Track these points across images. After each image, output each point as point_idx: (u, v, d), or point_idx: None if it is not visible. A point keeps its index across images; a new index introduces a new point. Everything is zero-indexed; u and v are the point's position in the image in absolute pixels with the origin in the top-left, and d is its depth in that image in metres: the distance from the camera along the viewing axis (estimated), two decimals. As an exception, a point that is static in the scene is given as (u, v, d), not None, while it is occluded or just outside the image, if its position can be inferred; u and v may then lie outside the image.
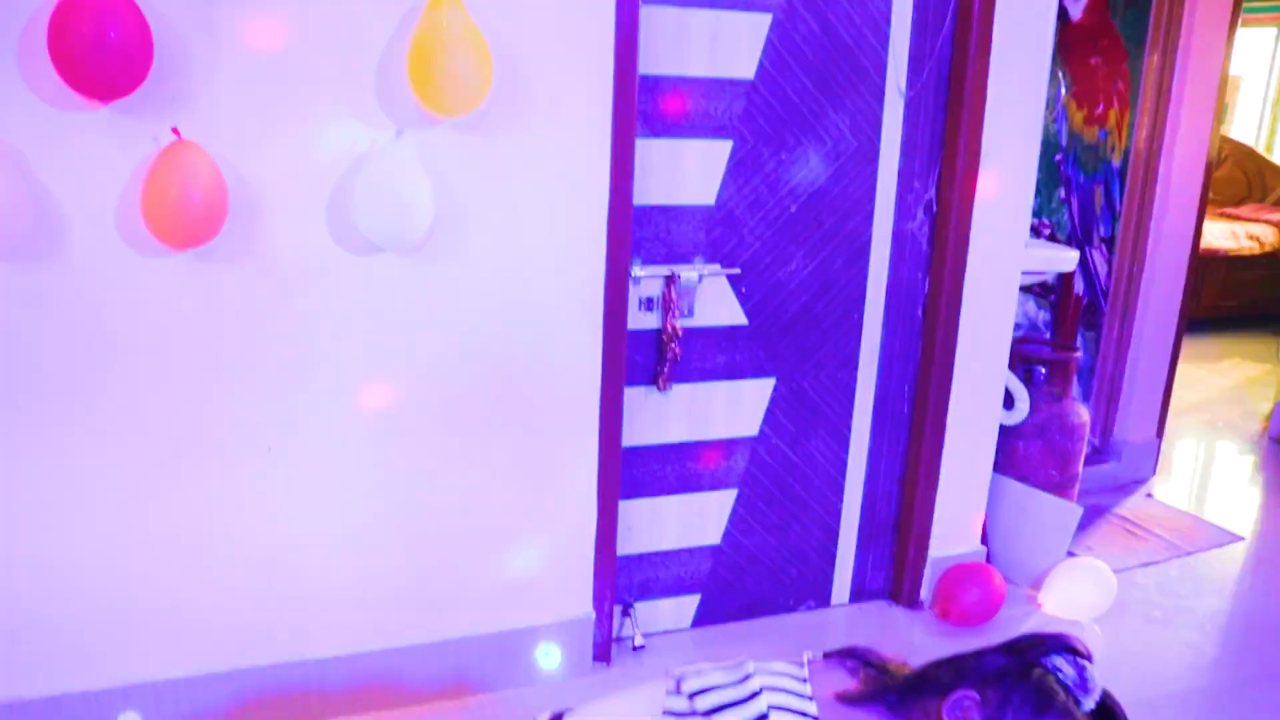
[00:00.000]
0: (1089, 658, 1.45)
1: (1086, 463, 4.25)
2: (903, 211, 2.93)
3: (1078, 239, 4.05)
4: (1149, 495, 4.35)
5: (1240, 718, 2.83)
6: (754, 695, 1.45)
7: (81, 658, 2.40)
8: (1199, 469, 4.85)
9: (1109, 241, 4.12)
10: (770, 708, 1.42)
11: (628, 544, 2.93)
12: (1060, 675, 1.41)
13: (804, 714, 1.42)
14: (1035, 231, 3.92)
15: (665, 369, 2.77)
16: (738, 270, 2.78)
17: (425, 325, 2.46)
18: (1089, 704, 1.39)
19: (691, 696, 1.47)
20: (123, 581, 2.39)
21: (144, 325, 2.25)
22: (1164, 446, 4.61)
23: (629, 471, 2.85)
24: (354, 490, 2.52)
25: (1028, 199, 3.05)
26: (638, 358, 2.77)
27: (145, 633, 2.44)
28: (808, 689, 1.48)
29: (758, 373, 2.91)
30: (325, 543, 2.53)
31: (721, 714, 1.42)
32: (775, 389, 2.95)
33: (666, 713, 1.46)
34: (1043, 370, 3.57)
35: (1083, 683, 1.40)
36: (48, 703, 2.38)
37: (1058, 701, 1.39)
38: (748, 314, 2.84)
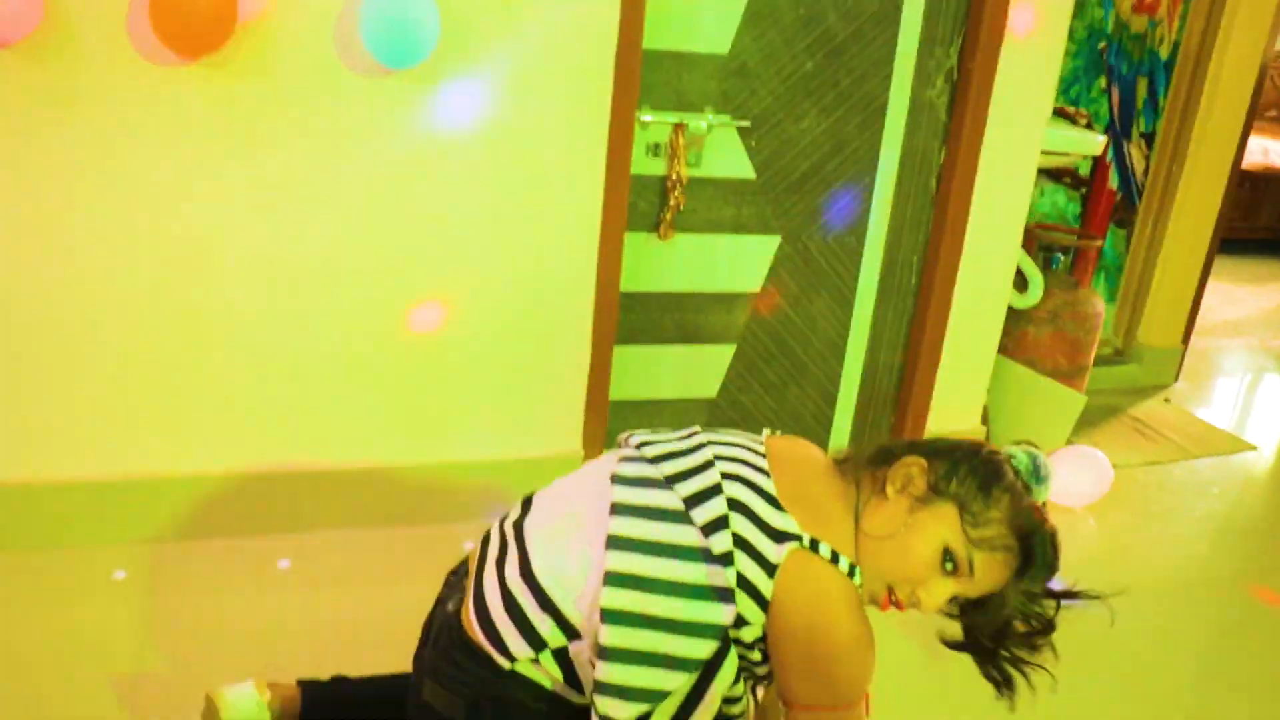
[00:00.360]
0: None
1: (1105, 363, 4.25)
2: (922, 78, 2.90)
3: (1116, 132, 3.98)
4: (1166, 400, 4.33)
5: (1213, 610, 2.86)
6: (700, 447, 1.52)
7: (85, 447, 2.52)
8: (1224, 381, 4.79)
9: (1149, 137, 4.03)
10: (716, 458, 1.49)
11: (622, 389, 2.99)
12: (1013, 460, 1.44)
13: (752, 465, 1.48)
14: (1071, 120, 3.85)
15: (668, 216, 2.79)
16: (748, 123, 2.78)
17: (428, 151, 2.49)
18: (1043, 494, 1.42)
19: (639, 446, 1.54)
20: (126, 376, 2.50)
21: (153, 133, 2.31)
22: (1189, 356, 4.56)
23: (626, 317, 2.89)
24: (354, 308, 2.59)
25: (1053, 75, 3.00)
26: (641, 203, 2.79)
27: (148, 429, 2.55)
28: (761, 448, 1.53)
29: (763, 229, 2.93)
30: (324, 357, 2.61)
31: (669, 461, 1.50)
32: (780, 247, 2.96)
33: (622, 459, 1.54)
34: (1061, 257, 3.54)
35: (1035, 471, 1.43)
36: (55, 489, 2.52)
37: (1005, 478, 1.41)
38: (756, 168, 2.85)
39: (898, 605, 1.43)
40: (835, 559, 1.39)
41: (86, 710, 2.05)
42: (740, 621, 1.39)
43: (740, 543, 1.38)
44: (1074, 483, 3.33)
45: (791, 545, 1.38)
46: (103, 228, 2.35)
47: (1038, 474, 1.43)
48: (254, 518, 2.69)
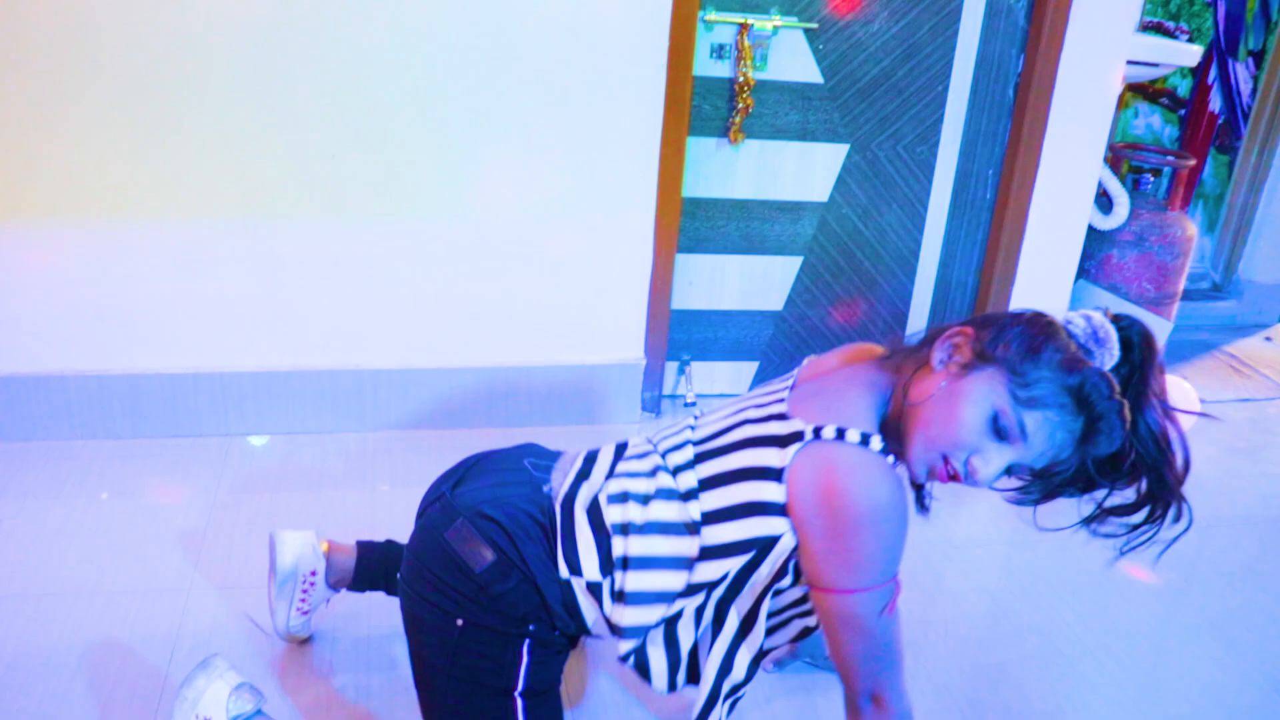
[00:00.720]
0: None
1: (1202, 298, 4.09)
2: (1001, -20, 2.81)
3: (1220, 48, 3.78)
4: (1268, 339, 4.15)
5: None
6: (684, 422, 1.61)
7: (162, 342, 2.63)
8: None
9: (1258, 56, 3.83)
10: (738, 412, 1.54)
11: (687, 299, 2.98)
12: (1069, 326, 1.38)
13: (769, 398, 1.51)
14: (1170, 35, 3.68)
15: (738, 120, 2.76)
16: (815, 25, 2.72)
17: (489, 44, 2.50)
18: (1107, 359, 1.35)
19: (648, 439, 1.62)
20: (196, 273, 2.58)
21: (219, 24, 2.37)
22: (1297, 294, 4.35)
23: (691, 224, 2.88)
24: (418, 207, 2.62)
25: (1143, -21, 2.87)
26: (706, 106, 2.76)
27: (217, 326, 2.64)
28: (790, 378, 1.55)
29: (831, 137, 2.87)
30: (388, 255, 2.66)
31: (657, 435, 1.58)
32: (848, 156, 2.91)
33: (630, 455, 1.61)
34: (1150, 178, 3.41)
35: (1095, 335, 1.36)
36: (128, 379, 2.64)
37: (1057, 339, 1.35)
38: (824, 72, 2.79)
39: (954, 477, 1.39)
40: (841, 434, 1.37)
41: (156, 570, 2.18)
42: (771, 541, 1.41)
43: (750, 472, 1.41)
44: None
45: (796, 445, 1.38)
46: (178, 123, 2.42)
47: (1095, 336, 1.36)
48: (322, 416, 2.77)
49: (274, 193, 2.53)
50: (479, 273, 2.72)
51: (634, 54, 2.57)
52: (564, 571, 1.49)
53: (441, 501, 1.58)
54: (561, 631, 1.56)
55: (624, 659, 1.53)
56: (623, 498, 1.50)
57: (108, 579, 2.14)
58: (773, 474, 1.38)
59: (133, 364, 2.63)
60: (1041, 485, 1.46)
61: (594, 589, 1.50)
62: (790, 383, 1.52)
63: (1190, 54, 3.24)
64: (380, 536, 2.03)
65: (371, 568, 1.93)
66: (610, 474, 1.56)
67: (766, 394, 1.53)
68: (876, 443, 1.37)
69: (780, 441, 1.39)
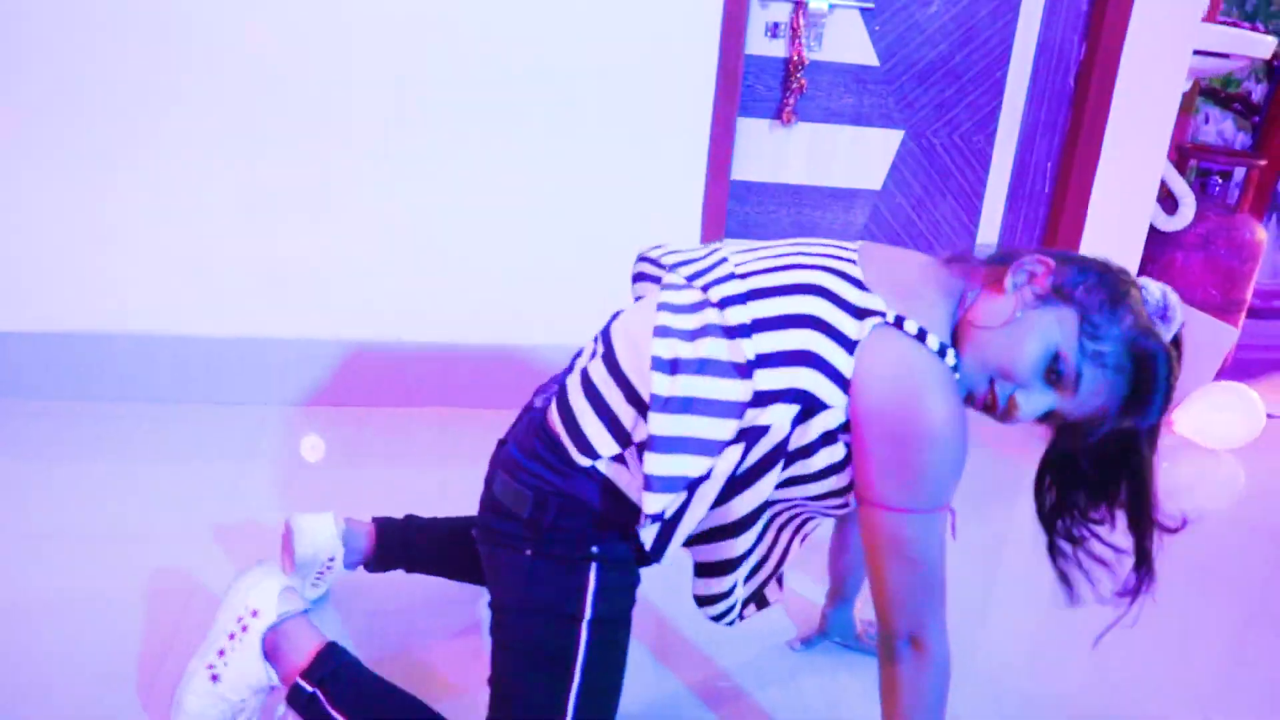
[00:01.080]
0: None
1: (1275, 316, 3.96)
2: (1064, -34, 2.75)
3: (1298, 52, 3.67)
4: (1343, 358, 4.00)
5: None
6: (713, 251, 1.48)
7: (211, 306, 2.66)
8: None
9: (1338, 62, 3.71)
10: (798, 251, 1.43)
11: (733, 283, 2.93)
12: (1144, 291, 1.34)
13: (835, 255, 1.40)
14: (1243, 37, 3.58)
15: (792, 100, 2.72)
16: (871, 4, 2.69)
17: (539, 12, 2.50)
18: (1166, 333, 1.31)
19: (672, 268, 1.49)
20: (248, 238, 2.60)
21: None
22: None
23: (739, 208, 2.84)
24: (465, 183, 2.62)
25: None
26: (759, 86, 2.73)
27: (267, 292, 2.66)
28: (851, 244, 1.44)
29: (885, 122, 2.83)
30: (437, 229, 2.66)
31: (683, 266, 1.46)
32: (903, 143, 2.86)
33: (666, 286, 1.46)
34: (1219, 180, 3.31)
35: (1164, 309, 1.32)
36: (177, 341, 2.66)
37: (1133, 299, 1.32)
38: (880, 55, 2.75)
39: (989, 408, 1.35)
40: (922, 336, 1.30)
41: (180, 526, 2.19)
42: (818, 405, 1.31)
43: (816, 322, 1.31)
44: (1220, 421, 3.11)
45: (874, 320, 1.30)
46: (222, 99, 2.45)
47: (1164, 312, 1.32)
48: (359, 390, 2.77)
49: (332, 163, 2.55)
50: (522, 249, 2.71)
51: (686, 28, 2.56)
52: (582, 460, 1.42)
53: (493, 461, 1.57)
54: (626, 537, 1.46)
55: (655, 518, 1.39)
56: (665, 332, 1.36)
57: (139, 530, 2.15)
58: (844, 340, 1.30)
59: (179, 327, 2.65)
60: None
61: (621, 458, 1.41)
62: (854, 249, 1.42)
63: (1264, 45, 3.13)
64: (410, 509, 2.00)
65: (391, 548, 1.91)
66: (605, 338, 1.48)
67: (823, 247, 1.42)
68: (951, 358, 1.32)
69: (855, 310, 1.31)
